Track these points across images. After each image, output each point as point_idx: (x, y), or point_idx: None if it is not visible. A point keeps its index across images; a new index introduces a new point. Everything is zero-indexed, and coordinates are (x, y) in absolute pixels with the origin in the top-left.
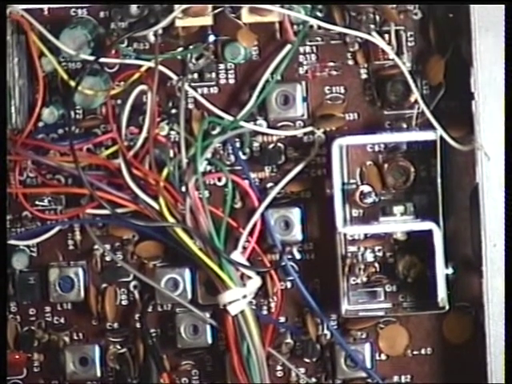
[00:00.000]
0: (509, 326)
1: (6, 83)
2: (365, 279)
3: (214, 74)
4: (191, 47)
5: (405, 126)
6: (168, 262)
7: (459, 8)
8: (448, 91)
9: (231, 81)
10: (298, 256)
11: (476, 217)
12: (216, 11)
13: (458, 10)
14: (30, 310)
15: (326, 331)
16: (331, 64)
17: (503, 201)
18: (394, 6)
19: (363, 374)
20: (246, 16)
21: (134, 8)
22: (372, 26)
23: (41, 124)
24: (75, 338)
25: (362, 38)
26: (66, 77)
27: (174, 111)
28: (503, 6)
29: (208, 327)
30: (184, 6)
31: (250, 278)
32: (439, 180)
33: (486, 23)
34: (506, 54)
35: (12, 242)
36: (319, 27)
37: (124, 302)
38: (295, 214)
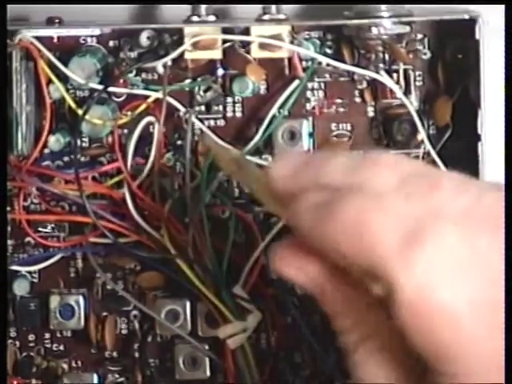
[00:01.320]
0: (509, 326)
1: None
2: None
3: (221, 107)
4: (199, 79)
5: None
6: (169, 293)
7: (468, 49)
8: (455, 132)
9: (238, 114)
10: (298, 291)
11: None
12: (226, 45)
13: (466, 52)
14: (29, 336)
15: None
16: (338, 101)
17: None
18: (404, 45)
19: None
20: (256, 51)
21: (143, 38)
22: (381, 65)
23: (46, 151)
24: (74, 365)
25: (371, 76)
26: (73, 105)
27: (180, 142)
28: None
29: (207, 359)
30: (194, 39)
31: (250, 312)
32: None
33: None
34: (506, 55)
35: (14, 267)
36: (328, 64)
37: (124, 331)
38: None
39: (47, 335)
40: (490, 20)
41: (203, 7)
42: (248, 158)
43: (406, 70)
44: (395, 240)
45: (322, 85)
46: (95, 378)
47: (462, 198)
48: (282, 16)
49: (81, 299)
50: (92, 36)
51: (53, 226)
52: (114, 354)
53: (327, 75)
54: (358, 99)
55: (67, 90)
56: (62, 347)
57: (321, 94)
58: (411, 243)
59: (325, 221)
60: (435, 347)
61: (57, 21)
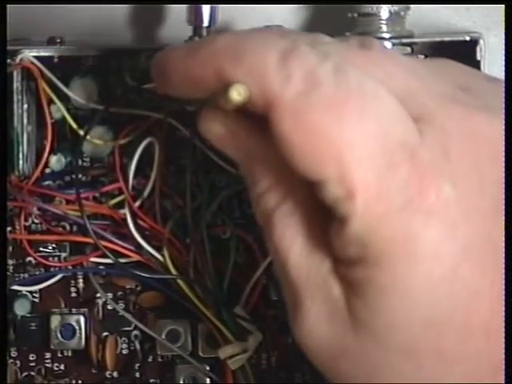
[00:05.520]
0: (509, 326)
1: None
2: None
3: None
4: None
5: None
6: (170, 314)
7: None
8: None
9: None
10: None
11: None
12: None
13: None
14: (30, 356)
15: None
16: None
17: None
18: None
19: None
20: None
21: (144, 59)
22: None
23: (48, 171)
24: None
25: None
26: (74, 125)
27: (181, 163)
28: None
29: (208, 380)
30: None
31: (251, 332)
32: None
33: None
34: (506, 58)
35: (15, 287)
36: None
37: (124, 352)
38: None
39: (48, 355)
40: (491, 41)
41: (204, 29)
42: None
43: None
44: (274, 58)
45: None
46: None
47: None
48: None
49: (82, 319)
50: (93, 56)
51: (54, 245)
52: (115, 374)
53: None
54: None
55: (68, 110)
56: (62, 367)
57: None
58: (287, 57)
59: (203, 47)
60: (317, 151)
61: (58, 41)
